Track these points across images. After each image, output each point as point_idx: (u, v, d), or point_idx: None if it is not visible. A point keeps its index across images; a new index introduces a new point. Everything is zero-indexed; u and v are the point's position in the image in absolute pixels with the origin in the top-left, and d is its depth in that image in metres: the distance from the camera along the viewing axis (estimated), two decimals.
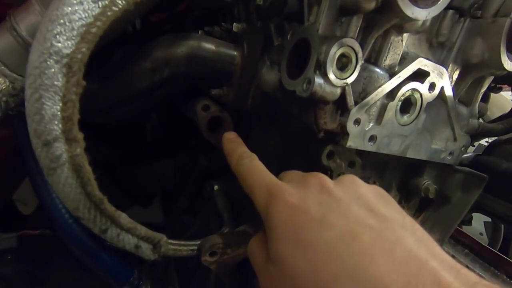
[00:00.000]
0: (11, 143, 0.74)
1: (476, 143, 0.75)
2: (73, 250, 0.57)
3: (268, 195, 0.32)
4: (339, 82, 0.36)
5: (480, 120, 0.63)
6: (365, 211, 0.28)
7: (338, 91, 0.36)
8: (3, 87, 0.40)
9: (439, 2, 0.33)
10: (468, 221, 0.67)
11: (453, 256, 0.71)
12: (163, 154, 0.90)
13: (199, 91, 0.59)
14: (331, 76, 0.35)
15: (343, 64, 0.36)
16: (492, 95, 0.73)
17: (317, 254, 0.26)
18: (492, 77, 0.49)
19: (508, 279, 0.71)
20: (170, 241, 0.35)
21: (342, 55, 0.35)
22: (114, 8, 0.21)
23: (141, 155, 0.91)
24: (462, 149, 0.52)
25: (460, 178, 0.54)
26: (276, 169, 0.53)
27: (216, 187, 0.64)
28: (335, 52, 0.34)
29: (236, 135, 0.46)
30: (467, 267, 0.70)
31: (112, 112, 0.61)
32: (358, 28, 0.35)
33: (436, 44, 0.44)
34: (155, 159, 0.90)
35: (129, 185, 0.90)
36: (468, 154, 0.72)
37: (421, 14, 0.33)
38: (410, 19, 0.33)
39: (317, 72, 0.35)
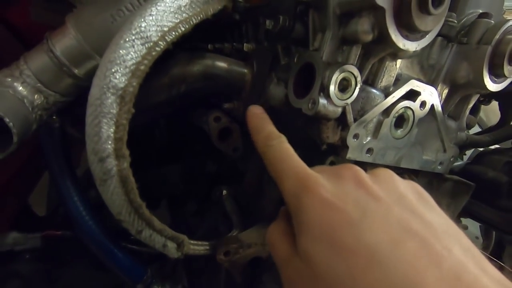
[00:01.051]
0: (26, 153, 0.79)
1: (468, 152, 0.80)
2: (93, 249, 0.62)
3: (299, 186, 0.29)
4: (340, 102, 0.40)
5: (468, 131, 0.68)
6: (407, 214, 0.26)
7: (339, 110, 0.41)
8: (39, 102, 0.45)
9: (427, 36, 0.38)
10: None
11: None
12: (170, 160, 0.94)
13: (210, 102, 0.64)
14: (333, 97, 0.40)
15: (344, 87, 0.41)
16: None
17: (355, 259, 0.24)
18: (478, 95, 0.55)
19: None
20: (190, 241, 0.40)
21: (343, 79, 0.40)
22: (157, 48, 0.25)
23: (149, 160, 0.95)
24: (452, 159, 0.57)
25: (450, 186, 0.59)
26: None
27: (224, 191, 0.69)
28: (337, 77, 0.39)
29: (262, 110, 0.43)
30: None
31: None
32: (357, 56, 0.40)
33: (427, 66, 0.49)
34: (163, 165, 0.94)
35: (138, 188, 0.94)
36: (459, 163, 0.77)
37: (412, 46, 0.38)
38: (402, 50, 0.38)
39: (321, 94, 0.40)
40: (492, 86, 0.48)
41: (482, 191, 0.60)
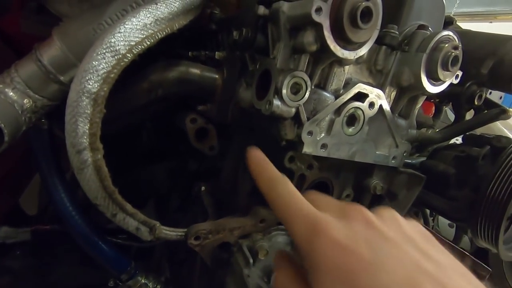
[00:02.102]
0: (18, 153, 0.83)
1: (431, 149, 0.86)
2: (79, 242, 0.67)
3: (310, 229, 0.29)
4: (293, 104, 0.47)
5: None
6: (418, 254, 0.27)
7: (293, 110, 0.47)
8: (28, 106, 0.50)
9: (363, 46, 0.44)
10: (415, 215, 0.78)
11: None
12: (156, 159, 1.00)
13: (188, 105, 0.70)
14: (286, 99, 0.46)
15: (296, 90, 0.47)
16: None
17: None
18: (424, 96, 0.61)
19: None
20: (162, 227, 0.45)
21: (295, 83, 0.46)
22: (125, 59, 0.31)
23: (136, 161, 1.00)
24: (404, 154, 0.63)
25: (405, 178, 0.65)
26: None
27: (203, 188, 0.74)
28: (288, 81, 0.45)
29: (260, 152, 0.43)
30: None
31: (113, 123, 0.71)
32: (307, 63, 0.47)
33: (375, 71, 0.56)
34: (149, 165, 0.99)
35: (124, 187, 0.99)
36: (422, 159, 0.84)
37: (350, 55, 0.44)
38: (342, 59, 0.44)
39: (276, 96, 0.46)
40: (431, 88, 0.55)
41: (434, 183, 0.67)
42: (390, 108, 0.58)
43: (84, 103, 0.30)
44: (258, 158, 0.42)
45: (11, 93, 0.44)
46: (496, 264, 1.13)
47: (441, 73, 0.52)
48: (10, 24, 0.72)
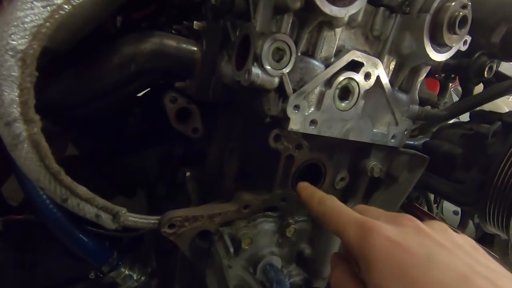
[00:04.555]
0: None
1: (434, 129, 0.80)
2: (55, 233, 0.63)
3: (362, 230, 0.31)
4: (276, 72, 0.41)
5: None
6: (470, 259, 0.28)
7: (276, 80, 0.41)
8: None
9: (356, 2, 0.38)
10: (416, 199, 0.73)
11: None
12: (144, 146, 0.95)
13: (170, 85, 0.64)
14: (267, 67, 0.40)
15: (279, 57, 0.41)
16: None
17: None
18: (428, 67, 0.55)
19: None
20: (130, 214, 0.40)
21: (277, 49, 0.40)
22: (61, 12, 0.25)
23: (125, 147, 0.96)
24: (405, 132, 0.57)
25: (406, 159, 0.59)
26: (239, 154, 0.59)
27: (188, 173, 0.69)
28: (269, 46, 0.39)
29: (307, 183, 0.48)
30: None
31: (89, 105, 0.66)
32: (290, 25, 0.40)
33: (371, 38, 0.49)
34: (138, 151, 0.94)
35: (113, 176, 0.95)
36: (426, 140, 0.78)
37: (340, 12, 0.38)
38: (331, 17, 0.38)
39: (255, 64, 0.40)
40: (435, 56, 0.48)
41: (438, 164, 0.61)
42: (389, 80, 0.52)
43: (9, 63, 0.24)
44: (306, 187, 0.46)
45: None
46: (502, 251, 1.08)
47: (447, 37, 0.46)
48: None
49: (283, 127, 0.46)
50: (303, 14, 0.40)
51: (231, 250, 0.45)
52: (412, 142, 0.74)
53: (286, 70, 0.41)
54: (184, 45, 0.53)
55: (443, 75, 0.72)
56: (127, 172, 0.95)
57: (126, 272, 0.68)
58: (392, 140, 0.56)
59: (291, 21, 0.40)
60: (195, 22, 0.55)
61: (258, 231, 0.50)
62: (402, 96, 0.55)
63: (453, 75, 0.79)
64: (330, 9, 0.37)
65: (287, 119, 0.44)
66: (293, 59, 0.41)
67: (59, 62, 0.59)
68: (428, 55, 0.48)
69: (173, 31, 0.61)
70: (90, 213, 0.35)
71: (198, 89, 0.56)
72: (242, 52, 0.45)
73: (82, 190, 0.34)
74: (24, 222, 0.68)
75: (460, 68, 0.65)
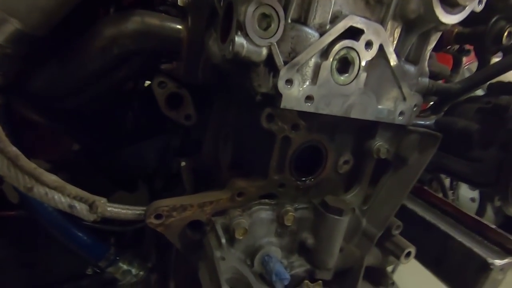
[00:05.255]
0: None
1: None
2: (49, 229, 0.61)
3: None
4: (263, 42, 0.36)
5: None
6: None
7: (264, 50, 0.37)
8: None
9: None
10: (428, 182, 0.67)
11: (423, 218, 0.72)
12: (142, 138, 0.92)
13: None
14: (253, 36, 0.35)
15: (267, 24, 0.36)
16: None
17: None
18: (439, 33, 0.49)
19: (488, 243, 0.71)
20: (110, 204, 0.37)
21: (264, 15, 0.36)
22: None
23: (122, 141, 0.94)
24: (415, 109, 0.52)
25: (416, 139, 0.54)
26: (233, 140, 0.55)
27: (183, 163, 0.66)
28: (253, 11, 0.35)
29: None
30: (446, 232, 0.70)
31: (78, 95, 0.63)
32: None
33: (372, 2, 0.44)
34: (135, 143, 0.92)
35: (112, 170, 0.93)
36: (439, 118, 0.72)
37: None
38: None
39: (239, 33, 0.36)
40: (447, 18, 0.43)
41: (452, 143, 0.55)
42: (395, 50, 0.46)
43: None
44: None
45: None
46: None
47: None
48: None
49: (276, 105, 0.42)
50: None
51: (223, 241, 0.41)
52: (422, 122, 0.68)
53: (275, 40, 0.37)
54: (168, 24, 0.50)
55: (456, 47, 0.66)
56: (125, 166, 0.93)
57: (125, 267, 0.66)
58: (400, 117, 0.51)
59: None
60: None
61: (254, 220, 0.46)
62: (410, 68, 0.50)
63: (467, 48, 0.73)
64: None
65: (279, 96, 0.40)
66: (281, 27, 0.36)
67: (43, 50, 0.56)
68: (438, 17, 0.42)
69: (160, 9, 0.57)
70: (62, 204, 0.32)
71: (186, 71, 0.53)
72: (227, 24, 0.41)
73: (49, 177, 0.31)
74: (16, 218, 0.66)
75: (476, 36, 0.59)
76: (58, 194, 0.31)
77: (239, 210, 0.45)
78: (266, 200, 0.48)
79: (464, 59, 0.79)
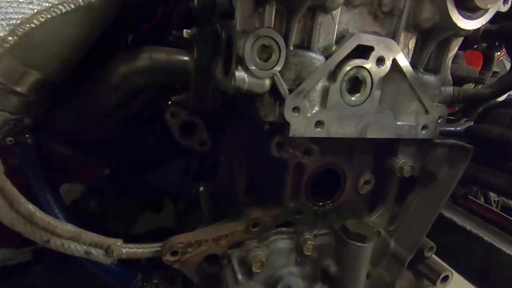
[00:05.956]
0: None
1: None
2: (79, 259, 0.64)
3: None
4: (265, 74, 0.35)
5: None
6: None
7: (266, 82, 0.36)
8: None
9: None
10: (463, 197, 0.61)
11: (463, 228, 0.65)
12: (165, 161, 0.95)
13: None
14: (253, 69, 0.35)
15: (268, 55, 0.36)
16: None
17: None
18: (460, 38, 0.45)
19: None
20: (126, 245, 0.38)
21: (264, 46, 0.35)
22: (5, 45, 0.23)
23: (146, 164, 0.97)
24: (439, 120, 0.48)
25: (444, 152, 0.50)
26: (246, 165, 0.54)
27: (201, 188, 0.66)
28: (251, 44, 0.34)
29: None
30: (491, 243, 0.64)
31: (98, 128, 0.66)
32: (275, 16, 0.35)
33: (381, 15, 0.41)
34: (158, 166, 0.95)
35: (137, 194, 0.96)
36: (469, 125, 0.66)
37: None
38: None
39: (239, 67, 0.35)
40: (466, 24, 0.39)
41: (487, 153, 0.50)
42: (411, 62, 0.43)
43: None
44: None
45: None
46: None
47: None
48: None
49: (284, 133, 0.40)
50: (286, 1, 0.34)
51: (239, 276, 0.40)
52: (452, 129, 0.63)
53: (277, 69, 0.36)
54: (175, 56, 0.50)
55: (484, 44, 0.60)
56: (149, 189, 0.96)
57: None
58: (423, 132, 0.47)
59: (274, 11, 0.34)
60: (184, 30, 0.51)
61: (272, 250, 0.45)
62: (430, 78, 0.46)
63: (497, 43, 0.66)
64: None
65: (287, 124, 0.39)
66: (283, 56, 0.35)
67: (63, 93, 0.60)
68: (455, 24, 0.39)
69: (170, 39, 0.59)
70: (79, 251, 0.33)
71: (195, 100, 0.53)
72: (229, 56, 0.40)
73: (64, 228, 0.32)
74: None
75: (505, 34, 0.53)
76: (74, 243, 0.32)
77: (256, 242, 0.44)
78: (284, 229, 0.46)
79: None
